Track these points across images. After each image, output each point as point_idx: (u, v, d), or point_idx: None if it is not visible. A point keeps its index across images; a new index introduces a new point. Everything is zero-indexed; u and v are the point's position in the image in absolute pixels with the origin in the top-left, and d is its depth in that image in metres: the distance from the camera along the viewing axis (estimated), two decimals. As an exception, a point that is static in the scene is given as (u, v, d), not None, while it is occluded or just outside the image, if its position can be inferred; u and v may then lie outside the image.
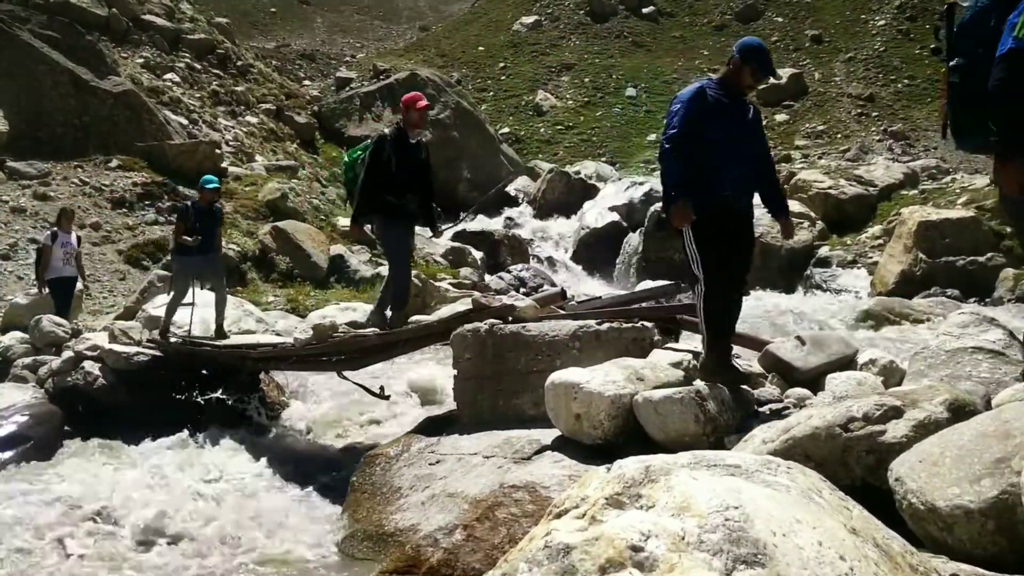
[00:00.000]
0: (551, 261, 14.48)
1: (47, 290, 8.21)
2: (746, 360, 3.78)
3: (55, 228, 8.46)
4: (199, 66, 17.83)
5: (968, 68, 2.95)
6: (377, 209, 5.25)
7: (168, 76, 16.60)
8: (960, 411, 2.39)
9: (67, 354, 6.66)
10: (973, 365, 2.93)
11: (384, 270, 12.32)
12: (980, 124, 2.88)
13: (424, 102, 5.35)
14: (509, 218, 17.00)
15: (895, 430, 2.37)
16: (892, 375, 3.27)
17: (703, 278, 3.27)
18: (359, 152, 5.42)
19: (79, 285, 8.61)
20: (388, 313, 5.46)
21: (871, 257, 11.73)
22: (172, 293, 7.31)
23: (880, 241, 11.93)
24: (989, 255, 10.01)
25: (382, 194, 5.15)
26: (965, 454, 1.98)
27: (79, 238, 8.74)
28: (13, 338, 7.74)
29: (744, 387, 3.33)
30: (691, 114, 3.25)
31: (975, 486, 1.88)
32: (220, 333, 6.93)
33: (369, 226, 5.54)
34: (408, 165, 5.18)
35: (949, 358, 3.00)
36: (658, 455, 1.95)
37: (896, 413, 2.43)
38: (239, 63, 19.30)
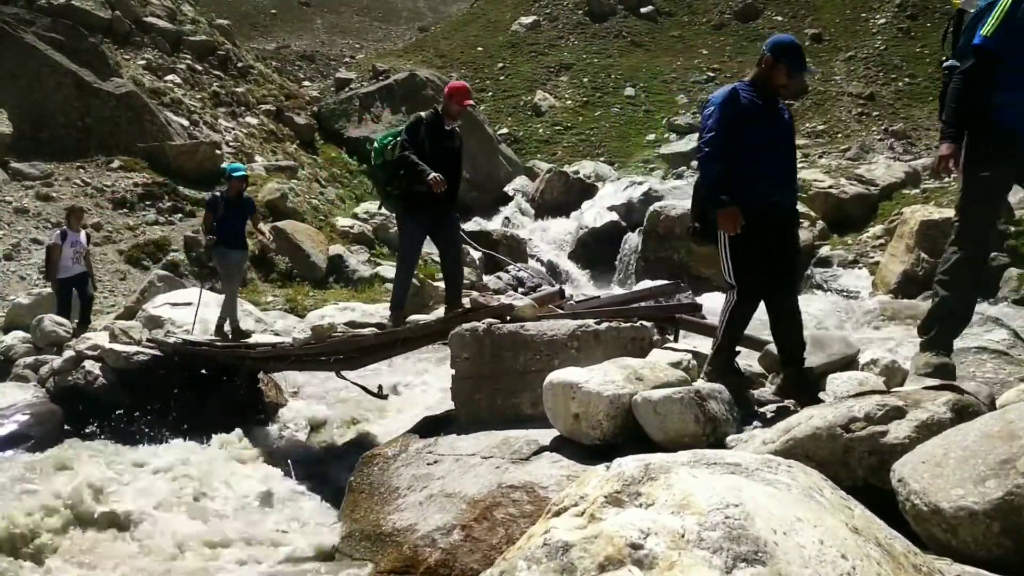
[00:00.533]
0: (549, 261, 14.46)
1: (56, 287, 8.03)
2: (746, 360, 3.76)
3: (64, 227, 8.32)
4: (200, 67, 17.84)
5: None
6: (403, 197, 5.06)
7: (169, 77, 16.62)
8: (964, 411, 2.37)
9: (68, 353, 6.67)
10: (977, 365, 2.92)
11: (382, 270, 12.32)
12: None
13: (470, 101, 5.21)
14: (507, 218, 16.97)
15: (897, 431, 2.35)
16: (894, 375, 3.25)
17: (735, 286, 3.21)
18: (389, 138, 5.24)
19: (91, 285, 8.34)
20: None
21: (872, 257, 11.68)
22: (225, 290, 7.12)
23: (881, 241, 11.88)
24: (993, 255, 9.95)
25: (411, 181, 4.93)
26: (969, 455, 1.95)
27: (88, 236, 8.59)
28: (15, 337, 7.77)
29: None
30: (725, 116, 3.16)
31: (980, 487, 1.86)
32: (219, 333, 6.88)
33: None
34: (441, 151, 5.03)
35: (953, 358, 2.97)
36: (658, 454, 1.93)
37: (898, 413, 2.41)
38: (239, 64, 19.31)
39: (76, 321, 7.89)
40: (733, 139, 3.14)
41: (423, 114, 5.18)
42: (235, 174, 7.09)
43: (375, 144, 5.36)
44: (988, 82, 2.85)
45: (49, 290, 8.78)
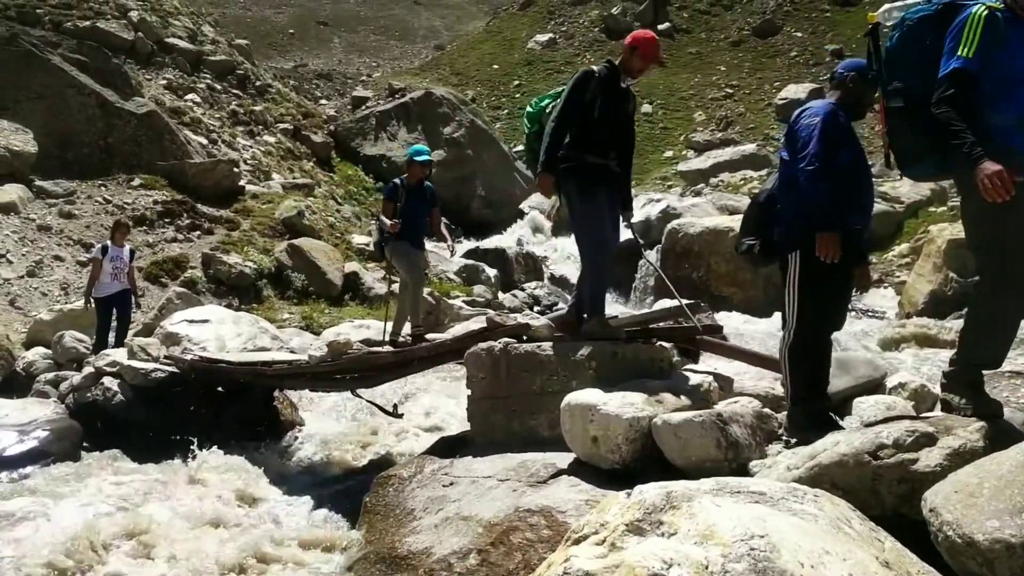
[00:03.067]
0: (565, 279, 14.40)
1: (92, 305, 7.85)
2: (768, 383, 3.69)
3: (108, 241, 8.12)
4: (219, 87, 18.19)
5: (914, 91, 2.78)
6: (571, 172, 3.97)
7: (189, 97, 16.96)
8: (998, 439, 2.29)
9: (87, 370, 6.74)
10: (1011, 390, 2.83)
11: (397, 288, 12.23)
12: (933, 150, 2.72)
13: (659, 63, 4.15)
14: (520, 238, 16.93)
15: (928, 458, 2.28)
16: (924, 400, 3.16)
17: (795, 324, 2.96)
18: (547, 99, 4.29)
19: (133, 302, 8.05)
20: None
21: (898, 276, 11.49)
22: (399, 287, 6.25)
23: (907, 260, 11.68)
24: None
25: (578, 150, 3.95)
26: (1005, 485, 1.88)
27: (132, 251, 8.32)
28: (37, 353, 7.87)
29: (767, 410, 3.24)
30: (829, 128, 2.91)
31: (1017, 519, 1.79)
32: (417, 337, 5.86)
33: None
34: (613, 115, 4.02)
35: (985, 383, 2.88)
36: (680, 481, 1.89)
37: (929, 440, 2.33)
38: (257, 83, 19.66)
39: (112, 343, 7.61)
40: (831, 160, 2.90)
41: (595, 67, 4.15)
42: (417, 158, 6.06)
43: (529, 108, 4.41)
44: (970, 106, 2.59)
45: (71, 306, 8.90)
